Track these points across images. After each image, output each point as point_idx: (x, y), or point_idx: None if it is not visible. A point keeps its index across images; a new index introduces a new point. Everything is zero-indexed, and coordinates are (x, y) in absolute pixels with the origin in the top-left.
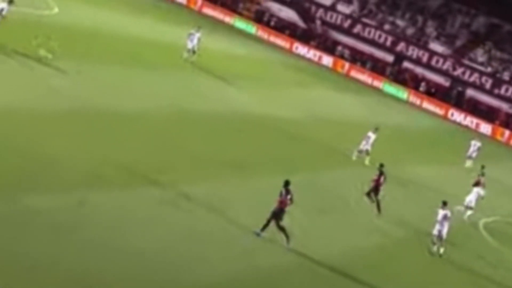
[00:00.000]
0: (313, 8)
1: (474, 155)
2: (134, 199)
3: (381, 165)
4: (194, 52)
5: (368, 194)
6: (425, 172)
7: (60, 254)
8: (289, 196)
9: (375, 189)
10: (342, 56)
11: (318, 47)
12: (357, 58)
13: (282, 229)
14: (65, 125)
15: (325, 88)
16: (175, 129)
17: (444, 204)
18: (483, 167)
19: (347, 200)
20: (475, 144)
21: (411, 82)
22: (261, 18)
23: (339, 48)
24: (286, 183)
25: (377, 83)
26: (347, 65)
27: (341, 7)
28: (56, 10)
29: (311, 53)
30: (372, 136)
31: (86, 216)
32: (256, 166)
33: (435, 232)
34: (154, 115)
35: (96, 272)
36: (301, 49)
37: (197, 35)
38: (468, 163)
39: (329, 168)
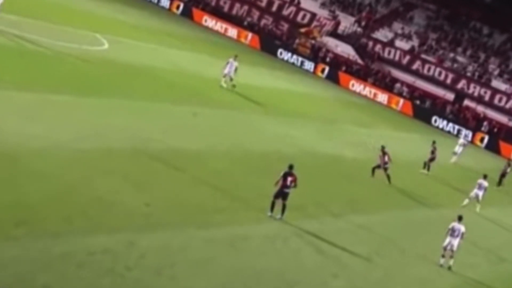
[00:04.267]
0: (371, 44)
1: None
2: (185, 240)
3: (383, 147)
4: (231, 79)
5: (374, 169)
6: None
7: None
8: (290, 179)
9: (384, 165)
10: (400, 94)
11: (375, 84)
12: (416, 96)
13: (284, 206)
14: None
15: (383, 126)
16: (236, 169)
17: (460, 219)
18: None
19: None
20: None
21: (473, 121)
22: (317, 53)
23: (397, 85)
24: (290, 167)
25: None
26: (401, 101)
27: (399, 43)
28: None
29: (367, 90)
30: (483, 183)
31: (140, 256)
32: (315, 206)
33: (445, 244)
34: (213, 155)
35: None
36: (357, 86)
37: (235, 63)
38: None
39: (394, 209)
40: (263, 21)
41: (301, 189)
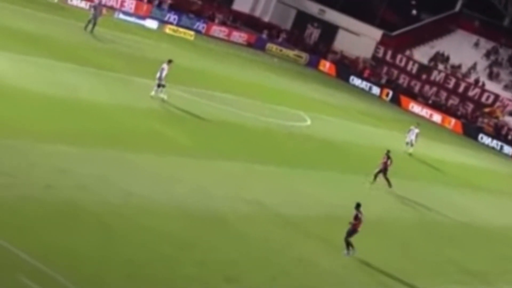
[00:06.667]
0: None
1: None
2: None
3: (388, 151)
4: (411, 145)
5: (377, 174)
6: None
7: None
8: (362, 217)
9: (384, 169)
10: None
11: None
12: None
13: (348, 243)
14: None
15: None
16: (418, 235)
17: None
18: None
19: None
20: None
21: None
22: (499, 132)
23: None
24: (358, 205)
25: None
26: None
27: None
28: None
29: None
30: None
31: None
32: (496, 276)
33: None
34: (400, 222)
35: None
36: None
37: (416, 130)
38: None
39: None
40: (450, 102)
41: (481, 256)
